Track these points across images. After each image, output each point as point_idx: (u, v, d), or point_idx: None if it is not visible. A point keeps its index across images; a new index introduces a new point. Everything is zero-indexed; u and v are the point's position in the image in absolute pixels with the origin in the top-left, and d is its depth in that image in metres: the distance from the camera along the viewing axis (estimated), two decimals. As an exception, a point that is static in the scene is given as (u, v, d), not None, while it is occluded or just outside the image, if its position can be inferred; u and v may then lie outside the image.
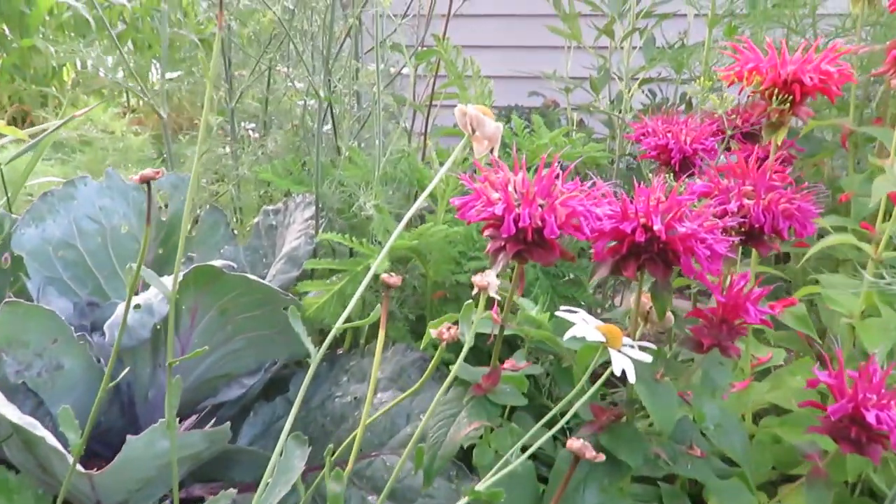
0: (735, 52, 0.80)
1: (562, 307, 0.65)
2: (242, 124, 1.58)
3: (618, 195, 0.67)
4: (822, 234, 0.96)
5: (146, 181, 0.52)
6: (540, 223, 0.59)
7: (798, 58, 0.77)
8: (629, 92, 1.55)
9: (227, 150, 1.45)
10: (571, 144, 1.10)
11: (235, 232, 1.37)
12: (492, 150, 0.68)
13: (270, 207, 1.27)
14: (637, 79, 1.53)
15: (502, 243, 0.61)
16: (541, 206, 0.61)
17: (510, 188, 0.63)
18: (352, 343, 1.07)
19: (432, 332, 0.54)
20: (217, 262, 0.83)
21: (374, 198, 0.87)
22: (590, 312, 1.06)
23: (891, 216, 0.87)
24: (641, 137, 1.08)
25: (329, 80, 1.00)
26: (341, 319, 0.59)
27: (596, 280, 0.69)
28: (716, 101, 0.78)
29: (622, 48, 1.50)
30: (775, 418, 0.89)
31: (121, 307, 0.88)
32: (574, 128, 1.72)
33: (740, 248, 0.79)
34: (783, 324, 1.06)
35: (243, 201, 1.47)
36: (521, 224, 0.58)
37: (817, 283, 0.95)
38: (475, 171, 0.65)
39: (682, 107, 1.59)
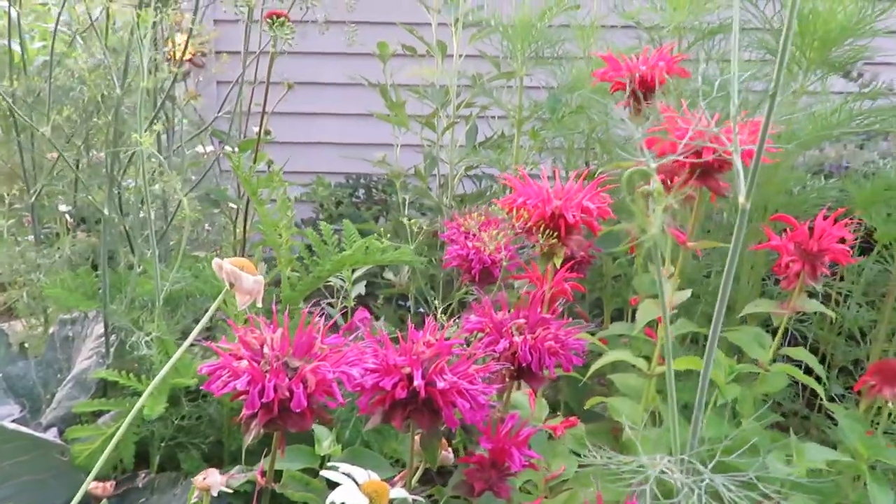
0: (510, 183, 0.82)
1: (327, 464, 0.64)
2: (62, 208, 1.48)
3: (398, 337, 0.67)
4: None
5: None
6: (288, 394, 0.57)
7: (569, 189, 0.81)
8: (455, 178, 1.60)
9: (30, 238, 1.35)
10: (383, 250, 1.09)
11: (28, 345, 1.26)
12: (255, 303, 0.66)
13: (68, 316, 1.19)
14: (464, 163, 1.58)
15: (254, 411, 0.59)
16: (294, 369, 0.59)
17: (266, 349, 0.61)
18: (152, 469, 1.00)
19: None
20: (-34, 416, 0.75)
21: (157, 328, 0.82)
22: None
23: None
24: (450, 241, 1.10)
25: (119, 194, 0.95)
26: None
27: (371, 427, 0.68)
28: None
29: (448, 134, 1.54)
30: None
31: None
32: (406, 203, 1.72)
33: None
34: (592, 413, 1.10)
35: (48, 302, 1.37)
36: (264, 399, 0.56)
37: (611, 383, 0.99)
38: (236, 325, 0.63)
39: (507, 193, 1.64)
